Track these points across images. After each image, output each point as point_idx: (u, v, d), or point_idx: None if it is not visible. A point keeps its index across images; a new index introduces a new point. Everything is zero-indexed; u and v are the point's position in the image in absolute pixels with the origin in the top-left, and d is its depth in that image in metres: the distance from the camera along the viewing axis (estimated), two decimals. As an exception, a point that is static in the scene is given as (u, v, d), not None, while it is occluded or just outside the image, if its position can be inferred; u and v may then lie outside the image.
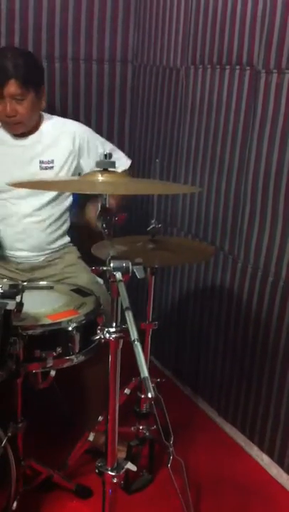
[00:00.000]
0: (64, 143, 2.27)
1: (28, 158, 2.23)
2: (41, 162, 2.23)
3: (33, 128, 2.24)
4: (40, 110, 2.23)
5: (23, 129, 2.21)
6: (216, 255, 2.42)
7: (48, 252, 2.32)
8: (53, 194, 2.27)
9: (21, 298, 1.65)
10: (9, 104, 2.09)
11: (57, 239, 2.34)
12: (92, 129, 2.88)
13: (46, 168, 2.23)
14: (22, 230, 2.26)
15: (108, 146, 2.40)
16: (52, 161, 2.24)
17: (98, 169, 1.48)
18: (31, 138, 2.24)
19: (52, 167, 2.24)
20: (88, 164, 2.29)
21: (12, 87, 2.06)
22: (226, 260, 2.39)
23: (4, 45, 2.62)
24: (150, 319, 2.10)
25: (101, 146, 2.35)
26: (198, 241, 2.54)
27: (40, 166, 2.23)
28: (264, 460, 2.29)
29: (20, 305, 1.64)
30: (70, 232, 2.40)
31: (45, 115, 2.31)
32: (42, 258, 2.31)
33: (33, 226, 2.26)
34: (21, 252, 2.29)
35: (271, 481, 2.22)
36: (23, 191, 2.22)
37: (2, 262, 2.29)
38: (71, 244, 2.40)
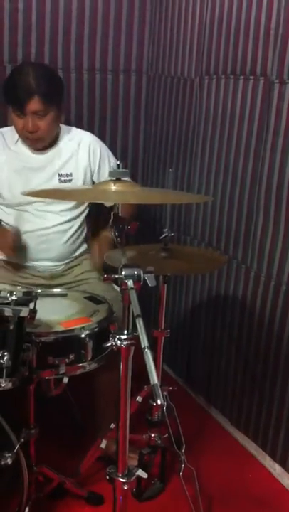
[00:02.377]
0: (81, 156, 2.30)
1: (47, 172, 2.25)
2: (60, 175, 2.25)
3: (52, 141, 2.26)
4: (58, 125, 2.25)
5: (43, 144, 2.22)
6: (228, 264, 2.43)
7: (68, 260, 2.35)
8: (72, 205, 2.29)
9: (35, 305, 1.67)
10: (31, 121, 2.09)
11: (77, 247, 2.38)
12: (107, 138, 2.93)
13: (65, 181, 2.26)
14: (44, 241, 2.28)
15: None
16: (70, 174, 2.26)
17: (111, 178, 1.50)
18: (51, 152, 2.26)
19: (70, 180, 2.27)
20: (98, 178, 2.32)
21: (35, 104, 2.06)
22: (238, 269, 2.40)
23: (21, 56, 2.66)
24: (162, 327, 2.10)
25: (109, 161, 2.36)
26: (211, 250, 2.55)
27: (59, 180, 2.25)
28: (276, 470, 2.28)
29: (33, 312, 1.66)
30: (86, 238, 2.43)
31: (63, 127, 2.32)
32: (62, 267, 2.34)
33: (55, 237, 2.29)
34: (43, 261, 2.31)
35: (283, 491, 2.21)
36: (43, 203, 2.24)
37: (21, 271, 2.31)
38: (89, 250, 2.43)
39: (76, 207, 2.32)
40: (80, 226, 2.36)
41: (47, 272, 2.32)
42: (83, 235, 2.40)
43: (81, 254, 2.40)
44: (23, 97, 2.06)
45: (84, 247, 2.41)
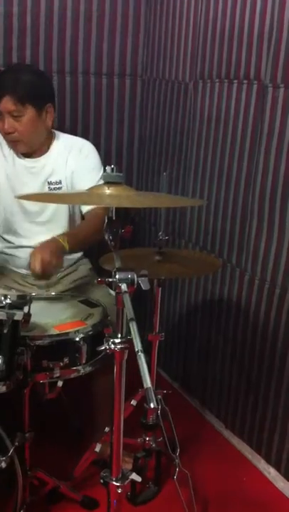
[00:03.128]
0: (70, 162, 2.25)
1: (38, 180, 2.23)
2: (50, 183, 2.22)
3: (44, 148, 2.23)
4: (46, 129, 2.20)
5: (25, 147, 2.18)
6: (223, 267, 2.43)
7: (63, 268, 2.32)
8: (65, 216, 2.26)
9: (29, 308, 1.67)
10: (7, 122, 2.08)
11: (71, 255, 2.33)
12: (101, 142, 2.92)
13: (55, 189, 2.22)
14: None
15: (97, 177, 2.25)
16: (60, 182, 2.23)
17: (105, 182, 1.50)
18: (42, 159, 2.24)
19: (60, 187, 2.24)
20: (80, 185, 2.24)
21: (7, 103, 2.05)
22: (233, 272, 2.40)
23: (16, 60, 2.66)
24: (157, 331, 2.11)
25: (91, 171, 2.27)
26: (205, 253, 2.55)
27: (49, 188, 2.22)
28: (271, 473, 2.28)
29: (28, 315, 1.66)
30: None
31: (57, 134, 2.29)
32: (57, 275, 2.32)
33: None
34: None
35: (278, 494, 2.21)
36: (34, 215, 2.24)
37: (16, 277, 2.31)
38: (84, 257, 2.42)
39: (71, 217, 2.28)
40: None
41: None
42: None
43: (76, 261, 2.39)
44: None
45: (78, 253, 2.39)
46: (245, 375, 2.40)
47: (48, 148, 2.25)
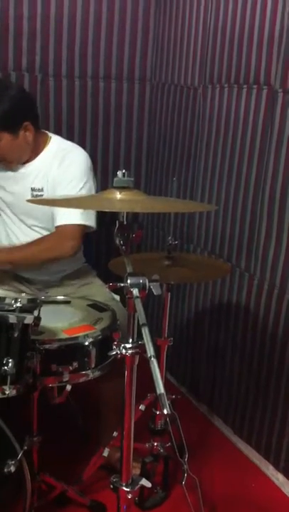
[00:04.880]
0: (54, 169, 2.18)
1: (22, 186, 2.21)
2: (33, 189, 2.19)
3: (34, 154, 2.20)
4: (28, 144, 2.14)
5: (11, 164, 2.18)
6: (232, 272, 2.43)
7: (62, 274, 2.32)
8: (44, 221, 2.22)
9: (39, 312, 1.67)
10: None
11: (69, 263, 2.29)
12: (110, 146, 2.91)
13: (36, 196, 2.18)
14: None
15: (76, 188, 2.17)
16: (42, 189, 2.19)
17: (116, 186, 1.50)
18: (30, 164, 2.21)
19: (42, 195, 2.19)
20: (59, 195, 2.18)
21: None
22: (242, 277, 2.40)
23: (26, 64, 2.67)
24: (166, 335, 2.10)
25: (71, 184, 2.17)
26: (214, 258, 2.55)
27: (31, 194, 2.19)
28: (279, 479, 2.27)
29: (38, 319, 1.66)
30: (86, 250, 2.38)
31: (54, 139, 2.24)
32: (54, 279, 2.31)
33: None
34: (33, 274, 2.29)
35: (286, 501, 2.20)
36: (26, 220, 2.24)
37: (19, 280, 2.31)
38: (86, 264, 2.41)
39: (49, 223, 2.22)
40: None
41: (39, 284, 2.30)
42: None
43: (76, 269, 2.35)
44: None
45: (79, 260, 2.36)
46: (253, 381, 2.39)
47: (37, 154, 2.21)
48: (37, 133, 2.17)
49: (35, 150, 2.19)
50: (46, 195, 2.19)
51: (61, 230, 2.13)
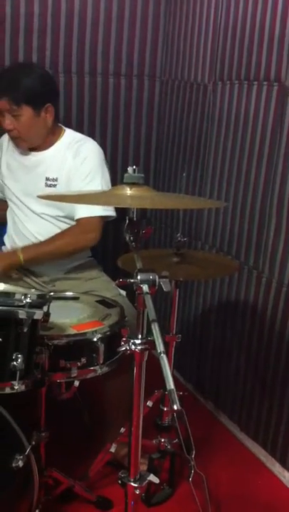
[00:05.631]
0: (69, 161, 2.23)
1: (35, 174, 2.26)
2: (47, 179, 2.24)
3: (48, 144, 2.26)
4: (46, 128, 2.21)
5: (25, 144, 2.23)
6: (240, 269, 2.42)
7: (67, 267, 2.33)
8: (63, 211, 2.25)
9: (48, 308, 1.67)
10: (6, 119, 2.15)
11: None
12: (119, 142, 2.90)
13: (50, 186, 2.23)
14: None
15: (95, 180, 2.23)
16: (56, 179, 2.23)
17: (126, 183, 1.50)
18: (42, 154, 2.26)
19: (55, 185, 2.23)
20: (75, 188, 2.22)
21: (4, 104, 2.12)
22: (250, 275, 2.39)
23: (36, 60, 2.67)
24: (174, 332, 2.10)
25: (87, 178, 2.22)
26: (222, 255, 2.55)
27: (45, 183, 2.24)
28: (286, 477, 2.27)
29: (47, 315, 1.66)
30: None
31: (67, 131, 2.30)
32: (62, 273, 2.33)
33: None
34: (39, 267, 2.31)
35: (293, 499, 2.20)
36: (35, 208, 2.26)
37: (25, 272, 2.32)
38: (92, 258, 2.42)
39: (69, 213, 2.25)
40: None
41: (46, 277, 2.32)
42: None
43: (83, 262, 2.37)
44: None
45: (85, 254, 2.38)
46: (260, 378, 2.39)
47: (51, 144, 2.27)
48: (54, 122, 2.23)
49: (49, 139, 2.26)
50: (60, 185, 2.24)
51: (83, 222, 2.19)
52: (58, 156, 2.25)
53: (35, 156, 2.27)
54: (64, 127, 2.32)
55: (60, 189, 2.23)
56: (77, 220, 2.21)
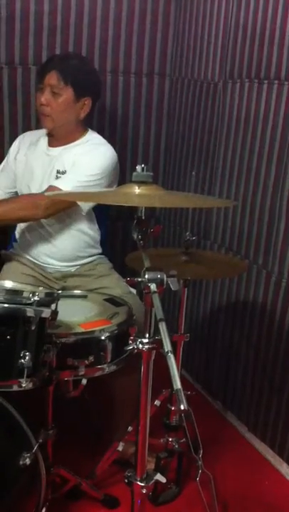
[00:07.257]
0: (79, 155, 2.24)
1: (50, 167, 2.27)
2: (58, 172, 2.25)
3: (69, 139, 2.28)
4: (77, 119, 2.25)
5: (52, 124, 2.24)
6: (249, 269, 2.42)
7: (78, 262, 2.34)
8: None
9: (56, 306, 1.67)
10: (45, 94, 2.18)
11: (84, 249, 2.34)
12: (128, 140, 2.89)
13: (58, 178, 2.23)
14: (47, 239, 2.30)
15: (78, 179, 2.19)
16: (64, 172, 2.23)
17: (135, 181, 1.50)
18: (63, 148, 2.28)
19: (61, 177, 2.23)
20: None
21: (52, 77, 2.17)
22: (259, 274, 2.38)
23: (45, 59, 2.66)
24: (182, 331, 2.10)
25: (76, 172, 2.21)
26: (231, 255, 2.54)
27: (56, 176, 2.24)
28: (293, 478, 2.26)
29: (55, 313, 1.66)
30: (102, 243, 2.40)
31: (90, 132, 2.33)
32: (73, 269, 2.34)
33: (56, 236, 2.29)
34: (50, 259, 2.32)
35: (300, 499, 2.19)
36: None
37: (37, 268, 2.32)
38: (102, 255, 2.42)
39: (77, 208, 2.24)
40: (86, 227, 2.31)
41: (58, 273, 2.32)
42: (92, 238, 2.35)
43: (93, 259, 2.37)
44: (44, 69, 2.22)
45: (95, 251, 2.37)
46: (268, 378, 2.38)
47: (71, 141, 2.29)
48: (84, 118, 2.28)
49: (72, 135, 2.29)
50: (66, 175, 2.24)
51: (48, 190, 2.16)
52: (74, 152, 2.26)
53: (54, 152, 2.29)
54: (89, 129, 2.35)
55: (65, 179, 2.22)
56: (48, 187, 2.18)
